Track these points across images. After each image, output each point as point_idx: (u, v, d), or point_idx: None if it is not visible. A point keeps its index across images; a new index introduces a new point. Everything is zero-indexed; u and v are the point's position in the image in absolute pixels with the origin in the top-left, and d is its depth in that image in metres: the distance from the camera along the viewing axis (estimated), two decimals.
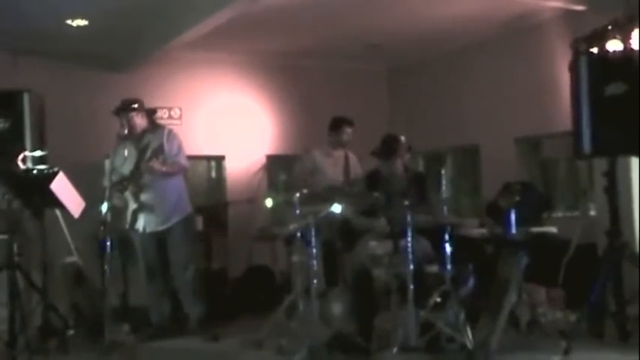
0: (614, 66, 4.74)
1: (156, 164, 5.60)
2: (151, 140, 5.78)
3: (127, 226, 5.83)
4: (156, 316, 5.90)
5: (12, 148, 5.54)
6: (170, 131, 5.89)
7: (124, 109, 5.70)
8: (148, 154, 5.69)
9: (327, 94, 8.40)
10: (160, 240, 5.83)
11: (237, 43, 7.64)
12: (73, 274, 6.13)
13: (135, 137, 5.75)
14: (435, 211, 5.12)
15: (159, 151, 5.66)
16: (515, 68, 7.46)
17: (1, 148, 5.67)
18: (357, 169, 6.67)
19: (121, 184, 5.70)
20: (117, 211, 5.68)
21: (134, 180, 5.72)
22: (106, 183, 5.68)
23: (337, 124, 6.60)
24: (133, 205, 5.78)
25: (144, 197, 5.74)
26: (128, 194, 5.77)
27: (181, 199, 5.92)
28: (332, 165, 6.61)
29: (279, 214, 6.85)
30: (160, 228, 5.78)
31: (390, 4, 6.52)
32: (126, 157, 5.64)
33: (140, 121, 5.77)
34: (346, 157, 6.65)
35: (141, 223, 5.78)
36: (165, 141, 5.74)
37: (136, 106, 5.73)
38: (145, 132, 5.82)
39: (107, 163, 5.77)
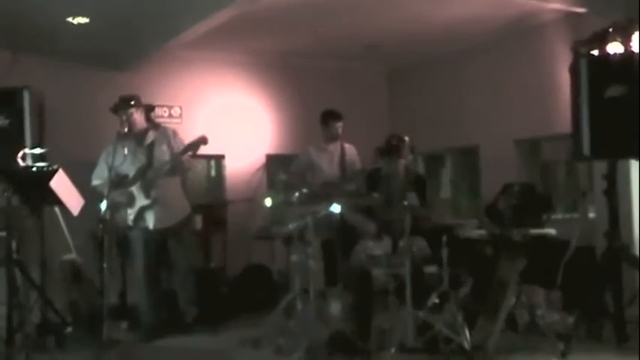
0: (615, 68, 4.74)
1: (186, 157, 5.69)
2: (157, 138, 5.82)
3: (131, 224, 5.81)
4: (149, 316, 5.86)
5: (12, 145, 5.53)
6: (174, 131, 5.99)
7: (123, 106, 5.71)
8: (155, 151, 5.75)
9: (326, 94, 8.38)
10: (162, 239, 5.83)
11: (238, 42, 7.64)
12: (72, 271, 6.12)
13: (135, 135, 5.76)
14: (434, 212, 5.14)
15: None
16: (516, 70, 7.46)
17: (1, 145, 5.66)
18: (354, 162, 6.68)
19: (124, 182, 5.71)
20: (115, 210, 5.68)
21: (142, 177, 5.73)
22: (96, 182, 5.72)
23: (324, 119, 6.67)
24: (143, 202, 5.76)
25: (155, 193, 5.74)
26: (135, 191, 5.76)
27: (182, 198, 6.00)
28: (328, 160, 6.64)
29: (278, 213, 6.85)
30: (169, 224, 5.80)
31: (389, 5, 6.51)
32: (125, 156, 5.64)
33: (139, 117, 5.79)
34: (342, 150, 6.66)
35: (150, 220, 5.77)
36: (172, 140, 5.82)
37: (133, 102, 5.74)
38: (147, 129, 5.84)
39: (102, 161, 5.77)
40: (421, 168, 8.81)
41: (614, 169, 5.03)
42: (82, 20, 6.22)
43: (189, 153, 5.70)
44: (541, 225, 5.47)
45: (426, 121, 8.48)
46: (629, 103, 4.59)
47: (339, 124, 6.64)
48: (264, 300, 6.56)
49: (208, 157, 8.44)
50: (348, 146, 6.71)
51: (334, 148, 6.67)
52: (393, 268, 4.91)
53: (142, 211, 5.77)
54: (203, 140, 5.59)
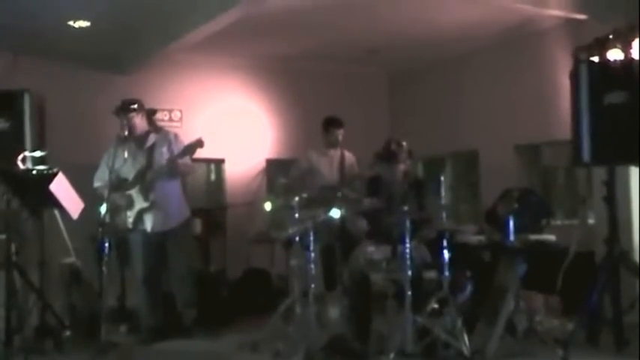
0: (615, 75, 4.74)
1: (185, 160, 5.66)
2: (157, 141, 5.82)
3: (130, 226, 5.81)
4: (148, 319, 5.86)
5: (12, 148, 5.54)
6: (176, 134, 5.98)
7: (124, 109, 5.70)
8: (155, 154, 5.74)
9: (327, 98, 8.41)
10: (161, 242, 5.83)
11: (239, 46, 7.66)
12: (71, 274, 6.12)
13: (136, 138, 5.76)
14: (433, 217, 5.14)
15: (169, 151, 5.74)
16: (516, 75, 7.47)
17: (1, 148, 5.66)
18: (353, 168, 6.73)
19: (124, 184, 5.71)
20: (115, 212, 5.68)
21: (141, 179, 5.73)
22: (97, 183, 5.72)
23: (325, 126, 6.72)
24: (141, 204, 5.76)
25: (153, 196, 5.74)
26: (134, 193, 5.76)
27: (182, 201, 5.98)
28: (327, 164, 6.68)
29: (277, 217, 6.85)
30: (167, 228, 5.79)
31: (391, 10, 6.53)
32: (125, 159, 5.64)
33: (140, 121, 5.79)
34: (342, 156, 6.71)
35: (148, 223, 5.77)
36: (173, 143, 5.80)
37: (135, 106, 5.73)
38: (148, 133, 5.85)
39: (103, 163, 5.76)
40: (420, 172, 8.81)
41: (613, 176, 5.03)
42: (83, 24, 6.24)
43: (187, 156, 5.71)
44: (540, 231, 5.47)
45: (426, 125, 8.49)
46: (629, 110, 4.59)
47: (340, 132, 6.68)
48: (263, 304, 6.56)
49: (208, 161, 8.46)
50: (348, 154, 6.75)
51: (334, 153, 6.70)
52: (392, 272, 4.91)
53: (141, 214, 5.77)
54: (199, 143, 5.59)
